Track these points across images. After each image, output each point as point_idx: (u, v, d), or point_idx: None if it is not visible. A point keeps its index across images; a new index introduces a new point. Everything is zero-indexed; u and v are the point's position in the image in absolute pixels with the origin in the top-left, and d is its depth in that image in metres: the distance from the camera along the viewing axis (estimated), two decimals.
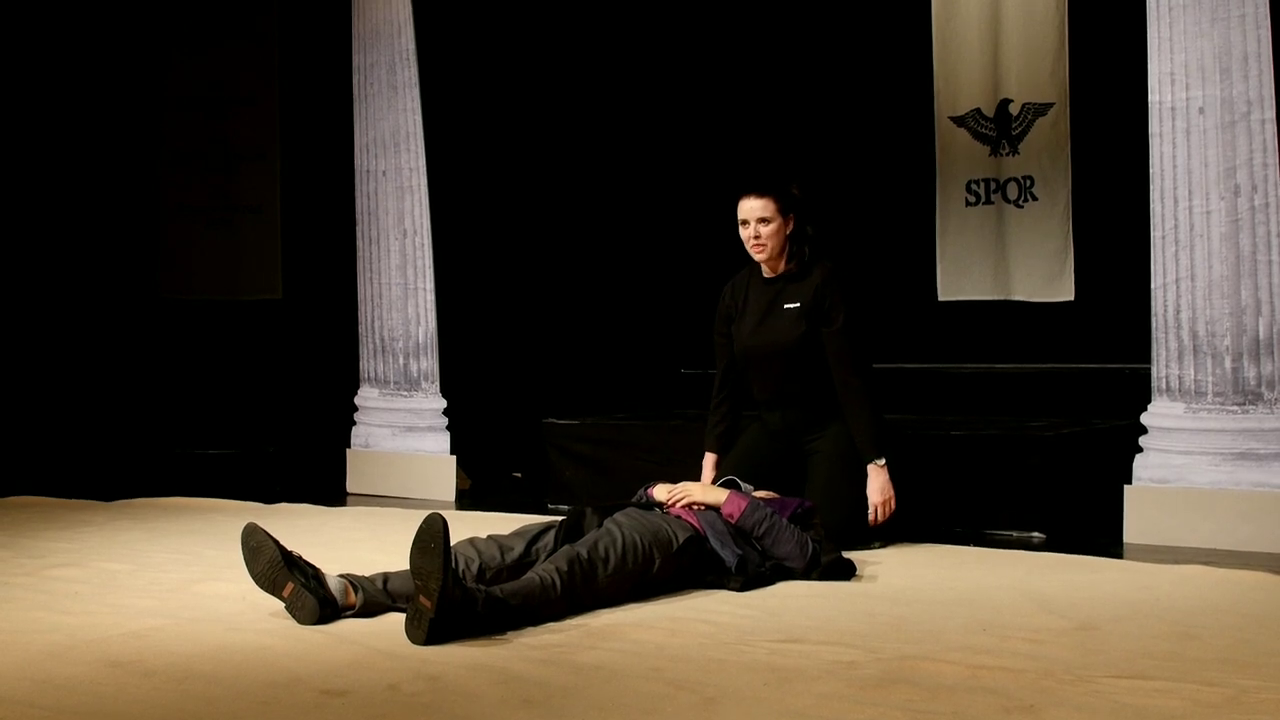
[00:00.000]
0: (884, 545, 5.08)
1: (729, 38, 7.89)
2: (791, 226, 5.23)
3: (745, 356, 5.37)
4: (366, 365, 7.72)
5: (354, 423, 7.74)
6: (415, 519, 3.64)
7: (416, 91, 7.45)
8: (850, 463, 5.15)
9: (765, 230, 5.19)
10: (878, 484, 5.11)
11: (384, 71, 7.56)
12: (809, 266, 5.26)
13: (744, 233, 5.25)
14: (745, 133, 7.82)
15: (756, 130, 7.77)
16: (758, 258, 5.28)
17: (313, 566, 3.84)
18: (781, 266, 5.31)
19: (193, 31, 9.02)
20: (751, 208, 5.21)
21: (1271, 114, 5.08)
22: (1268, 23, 5.09)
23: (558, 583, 3.78)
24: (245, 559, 3.81)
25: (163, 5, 9.02)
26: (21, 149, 8.64)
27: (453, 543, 3.60)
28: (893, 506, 5.10)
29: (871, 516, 5.11)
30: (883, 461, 5.12)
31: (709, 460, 5.49)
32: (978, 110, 6.59)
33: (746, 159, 7.50)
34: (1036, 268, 6.46)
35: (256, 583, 3.81)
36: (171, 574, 4.61)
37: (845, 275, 5.25)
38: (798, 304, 5.23)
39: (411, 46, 7.47)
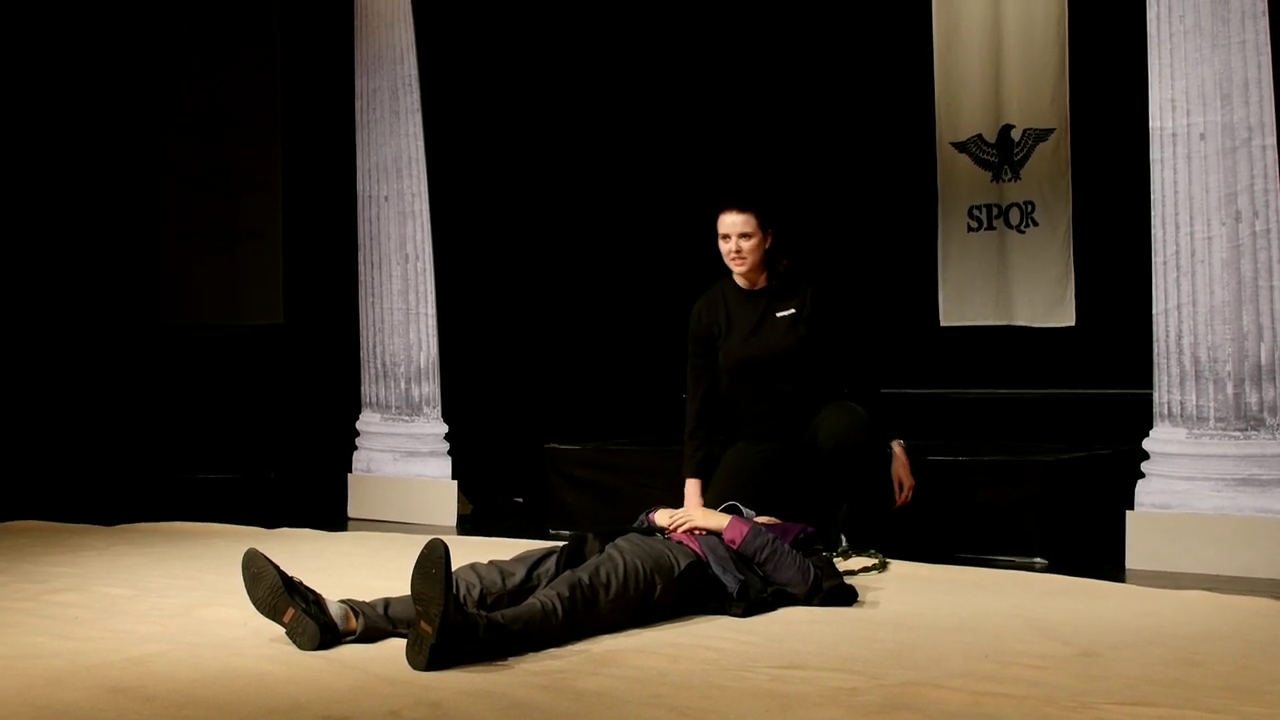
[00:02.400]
0: (885, 569, 5.07)
1: (732, 63, 7.91)
2: (770, 242, 5.40)
3: (738, 369, 5.47)
4: (368, 390, 7.72)
5: (355, 447, 7.73)
6: (416, 544, 3.63)
7: (419, 117, 7.47)
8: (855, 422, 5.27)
9: (746, 245, 5.36)
10: (904, 462, 5.36)
11: (386, 97, 7.58)
12: (791, 280, 5.44)
13: (724, 246, 5.41)
14: (748, 159, 7.82)
15: (759, 157, 7.77)
16: (737, 270, 5.44)
17: (313, 592, 3.84)
18: (760, 280, 5.46)
19: (196, 56, 9.05)
20: (733, 222, 5.37)
21: (1273, 140, 5.09)
22: (1268, 49, 5.10)
23: (559, 608, 3.77)
24: (246, 584, 3.81)
25: (166, 30, 9.04)
26: (24, 172, 8.66)
27: (454, 568, 3.59)
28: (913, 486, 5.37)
29: (902, 495, 5.34)
30: (902, 442, 5.36)
31: (694, 486, 5.51)
32: (979, 136, 6.60)
33: (748, 185, 7.50)
34: (1038, 293, 6.47)
35: (257, 608, 3.81)
36: (172, 599, 4.60)
37: (830, 287, 5.48)
38: (792, 311, 5.39)
39: (414, 72, 7.49)
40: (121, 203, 8.97)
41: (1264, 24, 5.11)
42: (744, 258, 5.38)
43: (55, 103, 8.77)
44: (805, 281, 5.46)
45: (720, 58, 7.94)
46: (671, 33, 8.09)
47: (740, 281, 5.50)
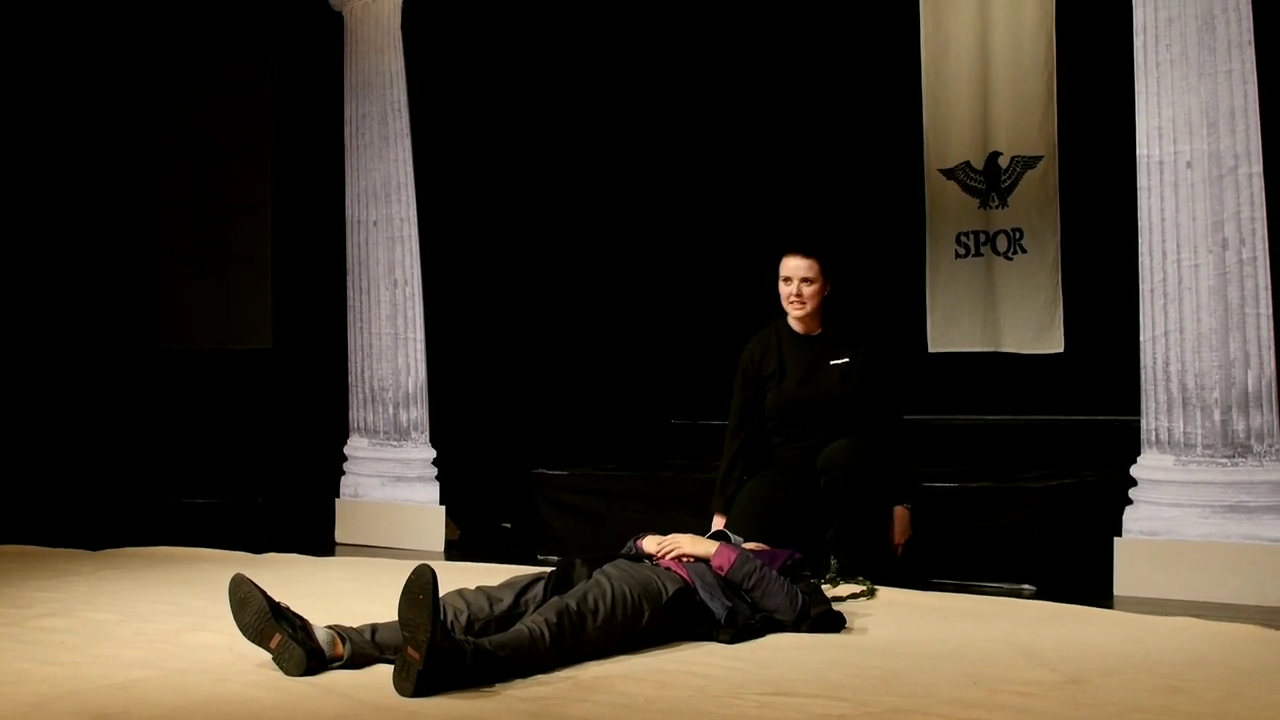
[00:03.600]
0: (874, 595, 5.06)
1: (723, 89, 7.92)
2: (828, 290, 5.56)
3: (788, 412, 5.60)
4: (356, 415, 7.71)
5: (343, 472, 7.72)
6: (404, 570, 3.62)
7: (408, 142, 7.48)
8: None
9: (807, 290, 5.52)
10: (904, 524, 5.48)
11: (375, 122, 7.59)
12: (845, 331, 5.60)
13: (785, 289, 5.55)
14: (736, 188, 7.84)
15: (747, 186, 7.78)
16: (794, 314, 5.58)
17: (300, 617, 3.83)
18: (815, 326, 5.61)
19: (186, 81, 9.04)
20: (797, 266, 5.53)
21: (1259, 168, 5.11)
22: (1254, 78, 5.13)
23: (546, 635, 3.76)
24: (232, 609, 3.80)
25: (156, 55, 9.04)
26: (15, 196, 8.65)
27: (441, 594, 3.58)
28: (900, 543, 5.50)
29: (894, 547, 5.48)
30: (909, 506, 5.47)
31: (721, 523, 5.52)
32: (967, 163, 6.62)
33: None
34: (1026, 320, 6.47)
35: (244, 634, 3.80)
36: (158, 624, 4.59)
37: (881, 343, 5.67)
38: (846, 360, 5.54)
39: (403, 98, 7.51)
40: (112, 227, 8.96)
41: (1250, 53, 5.14)
42: (803, 302, 5.53)
43: (46, 127, 8.76)
44: (860, 336, 5.61)
45: (711, 83, 7.95)
46: (659, 60, 8.10)
47: (795, 326, 5.63)
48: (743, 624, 4.25)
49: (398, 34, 7.56)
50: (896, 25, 6.79)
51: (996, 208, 6.52)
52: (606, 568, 4.20)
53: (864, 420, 5.51)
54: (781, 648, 4.13)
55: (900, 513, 5.50)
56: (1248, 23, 5.16)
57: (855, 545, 5.38)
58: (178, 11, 9.03)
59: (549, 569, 4.22)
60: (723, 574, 4.37)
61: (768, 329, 5.71)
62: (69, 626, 4.56)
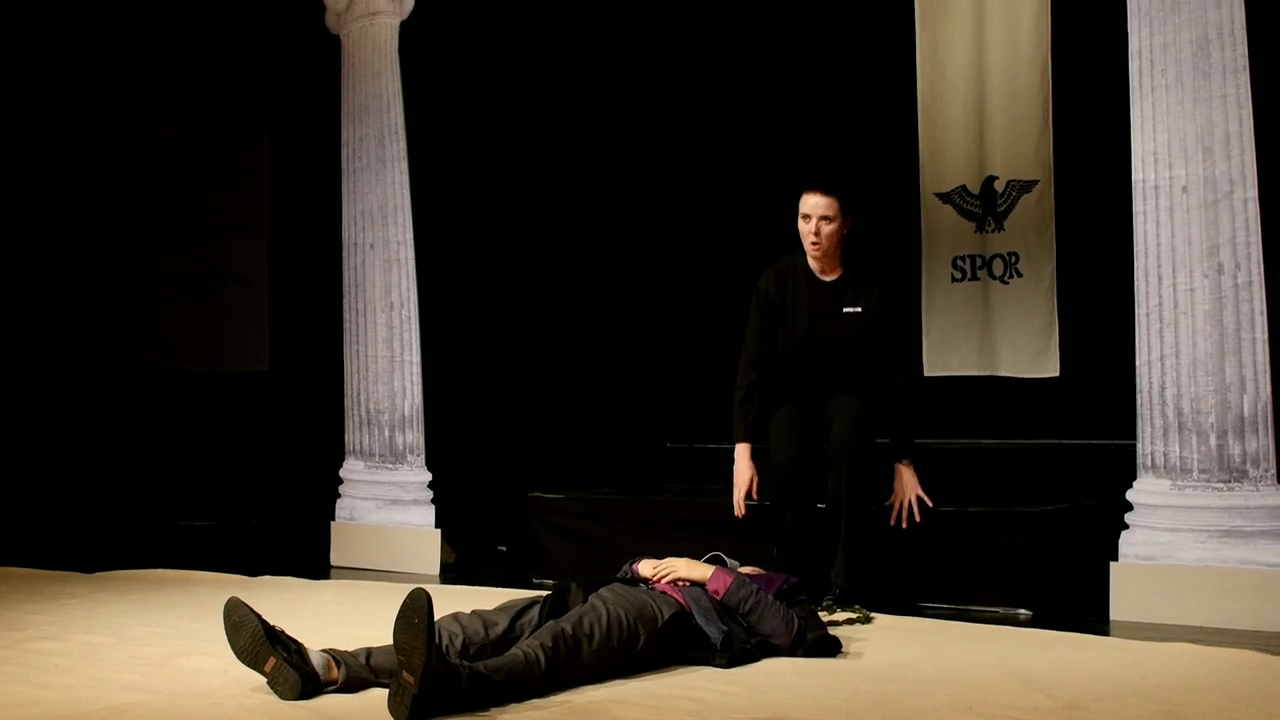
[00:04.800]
0: (869, 621, 5.06)
1: (719, 118, 7.93)
2: (848, 228, 5.49)
3: (797, 351, 5.57)
4: (352, 438, 7.71)
5: (339, 495, 7.72)
6: (399, 593, 3.62)
7: (405, 165, 7.50)
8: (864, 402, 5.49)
9: (826, 229, 5.46)
10: (912, 483, 5.46)
11: (372, 145, 7.60)
12: (865, 273, 5.54)
13: (804, 227, 5.49)
14: (732, 212, 7.84)
15: (744, 210, 7.79)
16: (813, 253, 5.51)
17: (295, 641, 3.82)
18: (834, 266, 5.56)
19: (183, 103, 9.06)
20: (816, 204, 5.47)
21: (1254, 192, 5.12)
22: (1249, 103, 5.14)
23: (542, 659, 3.75)
24: (227, 633, 3.79)
25: (153, 76, 9.05)
26: (11, 216, 8.65)
27: (436, 618, 3.58)
28: (924, 502, 5.46)
29: (900, 509, 5.45)
30: (909, 461, 5.46)
31: (745, 450, 5.61)
32: (963, 187, 6.63)
33: (734, 239, 7.54)
34: (1022, 344, 6.47)
35: (238, 657, 3.79)
36: (152, 647, 4.57)
37: (896, 285, 5.60)
38: (860, 309, 5.50)
39: (400, 121, 7.52)
40: (108, 247, 8.96)
41: (1245, 79, 5.16)
42: (821, 241, 5.46)
43: (43, 148, 8.77)
44: (877, 277, 5.56)
45: (707, 108, 7.97)
46: (657, 84, 8.12)
47: (813, 265, 5.58)
48: (738, 648, 4.24)
49: (395, 57, 7.58)
50: (892, 50, 6.81)
51: (993, 232, 6.53)
52: (602, 591, 4.19)
53: (873, 369, 5.49)
54: (777, 672, 4.12)
55: (902, 470, 5.48)
56: (1243, 48, 5.17)
57: (856, 571, 5.39)
58: (175, 33, 9.05)
59: (544, 593, 4.21)
60: (718, 598, 4.37)
61: (785, 261, 5.65)
62: (63, 649, 4.55)
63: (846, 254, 5.57)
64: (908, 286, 5.73)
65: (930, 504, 5.46)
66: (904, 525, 5.46)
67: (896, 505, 5.48)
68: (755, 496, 5.61)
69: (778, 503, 5.53)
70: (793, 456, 5.47)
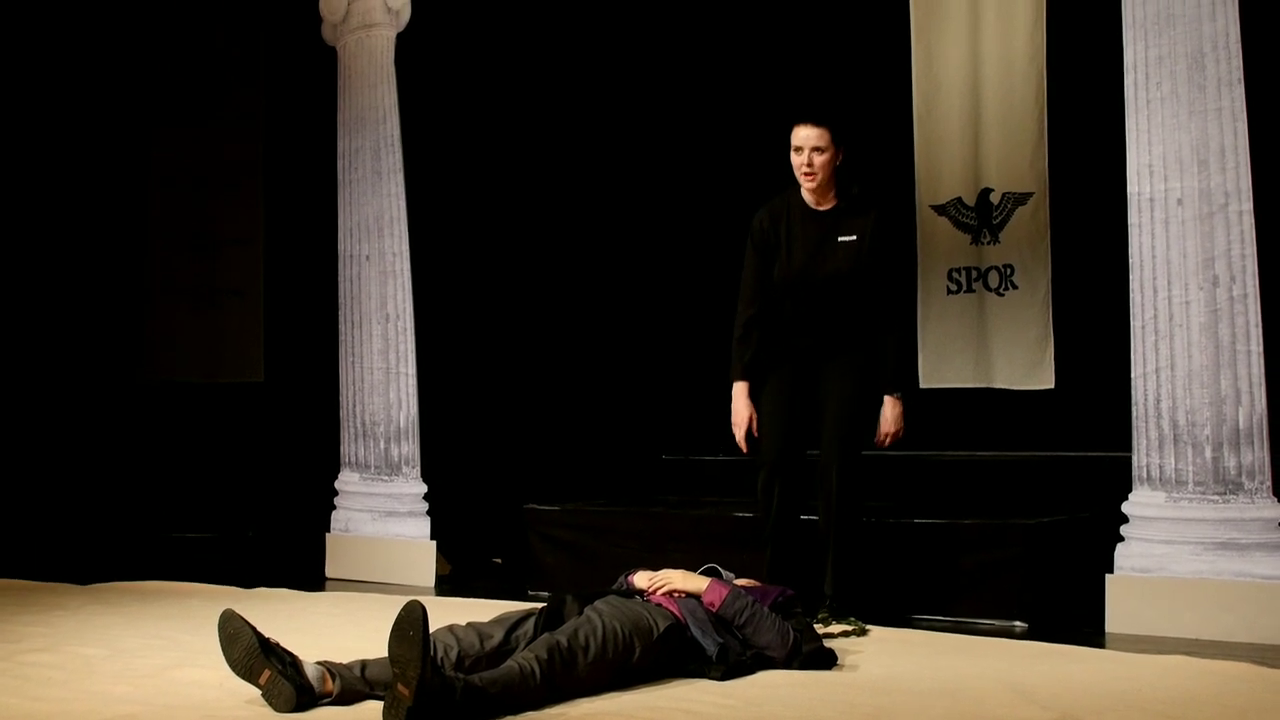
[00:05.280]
0: (864, 634, 5.05)
1: (714, 131, 7.93)
2: (841, 159, 5.50)
3: (792, 284, 5.53)
4: (347, 449, 7.71)
5: (334, 507, 7.71)
6: (394, 605, 3.61)
7: (401, 177, 7.51)
8: (861, 401, 5.49)
9: (819, 160, 5.46)
10: (894, 415, 5.50)
11: (369, 157, 7.61)
12: (859, 202, 5.53)
13: (796, 159, 5.50)
14: (728, 224, 7.82)
15: (740, 221, 7.77)
16: (807, 185, 5.51)
17: (290, 653, 3.81)
18: (828, 198, 5.55)
19: (180, 114, 9.06)
20: (807, 136, 5.48)
21: (1249, 205, 5.13)
22: (1244, 116, 5.16)
23: (537, 671, 3.75)
24: (222, 645, 3.78)
25: (149, 88, 9.06)
26: (6, 228, 8.65)
27: (432, 630, 3.57)
28: (900, 435, 5.54)
29: (880, 439, 5.52)
30: (899, 395, 5.45)
31: (743, 388, 5.61)
32: (959, 199, 6.63)
33: (730, 252, 7.52)
34: (1017, 356, 6.48)
35: (233, 669, 3.78)
36: (147, 660, 4.57)
37: (891, 214, 5.61)
38: (854, 237, 5.48)
39: (396, 133, 7.53)
40: (104, 260, 8.95)
41: (1240, 91, 5.17)
42: (814, 173, 5.46)
43: (39, 159, 8.77)
44: (871, 204, 5.55)
45: (702, 122, 7.97)
46: (651, 97, 8.13)
47: (808, 198, 5.57)
48: (734, 660, 4.24)
49: (391, 69, 7.59)
50: (888, 63, 6.81)
51: (988, 244, 6.53)
52: (598, 604, 4.19)
53: (870, 294, 5.48)
54: (772, 684, 4.12)
55: (890, 403, 5.50)
56: (1237, 61, 5.19)
57: (845, 581, 5.39)
58: (172, 45, 9.05)
59: (540, 605, 4.21)
60: (714, 610, 4.36)
61: (779, 198, 5.65)
62: (57, 662, 4.54)
63: (840, 185, 5.57)
64: (900, 219, 5.78)
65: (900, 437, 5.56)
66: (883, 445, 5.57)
67: (879, 435, 5.54)
68: (756, 434, 5.59)
69: (765, 493, 5.54)
70: (780, 447, 5.49)
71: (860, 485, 5.48)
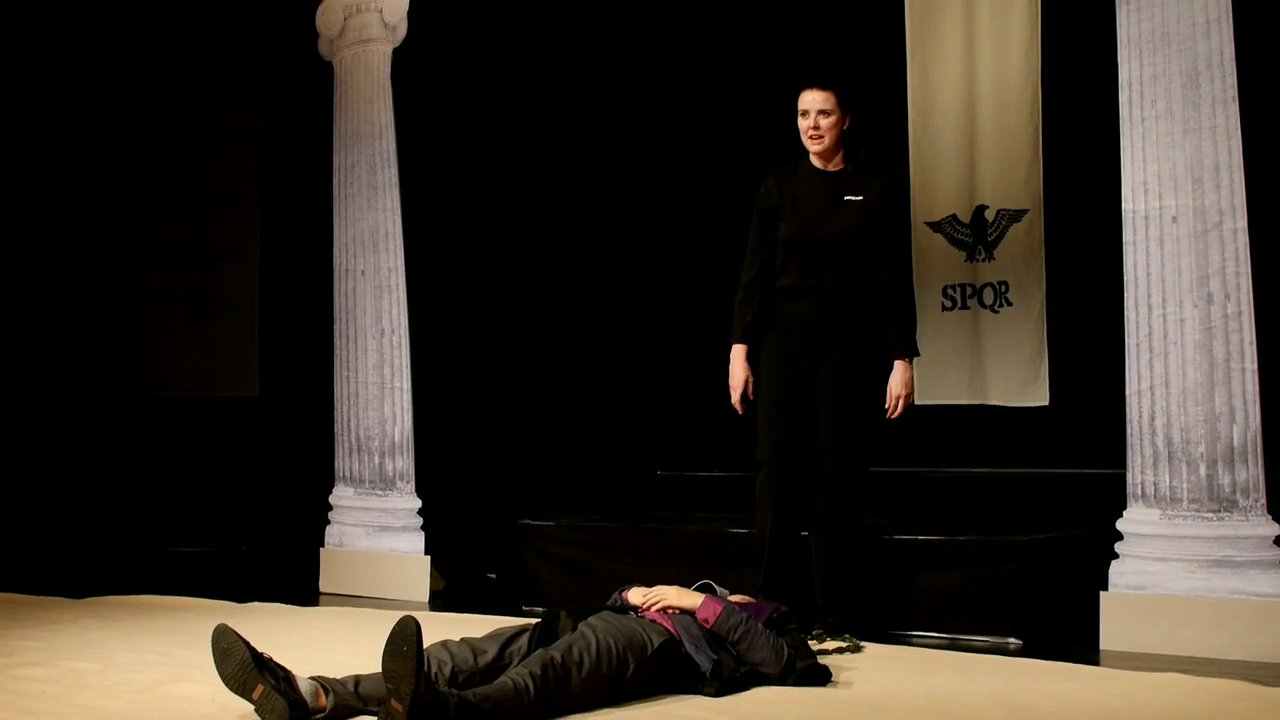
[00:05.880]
0: (859, 650, 5.05)
1: (708, 150, 7.93)
2: (848, 123, 5.56)
3: (798, 241, 5.54)
4: (342, 464, 7.70)
5: (328, 521, 7.70)
6: (388, 620, 3.61)
7: (396, 192, 7.51)
8: (859, 388, 5.50)
9: (825, 122, 5.53)
10: (903, 378, 5.53)
11: (364, 172, 7.61)
12: (866, 167, 5.59)
13: (803, 123, 5.57)
14: (722, 241, 7.82)
15: (733, 238, 7.77)
16: (814, 148, 5.58)
17: (283, 668, 3.81)
18: (835, 161, 5.60)
19: (175, 128, 9.06)
20: (813, 99, 5.56)
21: (1244, 223, 5.14)
22: (1239, 134, 5.17)
23: (531, 687, 3.74)
24: (215, 660, 3.77)
25: (145, 101, 9.06)
26: (1, 243, 8.64)
27: (425, 645, 3.57)
28: (910, 401, 5.57)
29: (891, 406, 5.51)
30: (910, 360, 5.54)
31: (740, 351, 5.63)
32: (954, 216, 6.64)
33: (724, 267, 7.52)
34: (1012, 373, 6.48)
35: (226, 684, 3.77)
36: (140, 674, 4.56)
37: (897, 182, 5.71)
38: (861, 198, 5.52)
39: (392, 148, 7.54)
40: (98, 273, 8.95)
41: (1234, 109, 5.18)
42: (821, 135, 5.53)
43: (33, 173, 8.76)
44: (878, 171, 5.61)
45: (696, 141, 7.97)
46: (645, 112, 8.13)
47: (815, 161, 5.62)
48: (728, 677, 4.24)
49: (387, 84, 7.60)
50: (883, 80, 6.82)
51: (983, 261, 6.54)
52: (592, 619, 4.19)
53: (874, 260, 5.50)
54: (766, 701, 4.12)
55: (900, 367, 5.52)
56: (1231, 79, 5.20)
57: (842, 595, 5.40)
58: (167, 58, 9.06)
59: (534, 620, 4.21)
60: (708, 626, 4.36)
61: (790, 164, 5.70)
62: (50, 676, 4.53)
63: (848, 148, 5.62)
64: (902, 187, 5.89)
65: (911, 403, 5.58)
66: (892, 416, 5.56)
67: (889, 401, 5.54)
68: (751, 396, 5.62)
69: (764, 493, 5.56)
70: (780, 444, 5.52)
71: (861, 499, 5.48)
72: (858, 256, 5.50)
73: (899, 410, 5.54)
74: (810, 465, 5.53)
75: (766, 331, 5.60)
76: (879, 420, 5.57)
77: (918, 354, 5.62)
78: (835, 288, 5.49)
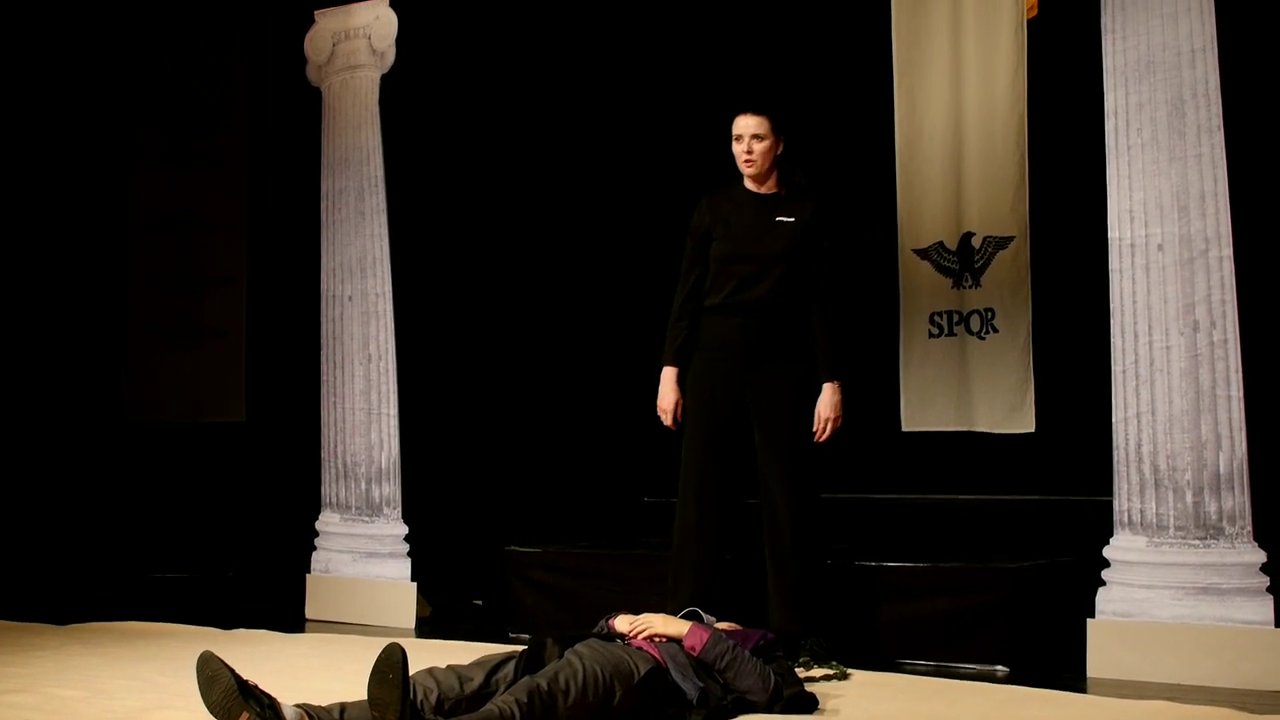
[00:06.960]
0: (846, 678, 5.04)
1: (699, 169, 7.94)
2: (781, 148, 5.61)
3: (729, 259, 5.59)
4: (328, 490, 7.68)
5: (314, 548, 7.68)
6: (374, 647, 3.60)
7: (384, 218, 7.51)
8: (799, 411, 5.51)
9: (759, 147, 5.57)
10: (832, 400, 5.52)
11: (352, 197, 7.61)
12: (800, 190, 5.65)
13: (736, 148, 5.62)
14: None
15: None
16: (747, 172, 5.63)
17: (269, 696, 3.79)
18: (769, 185, 5.65)
19: (162, 153, 9.07)
20: (746, 124, 5.60)
21: (1229, 251, 5.16)
22: (1224, 162, 5.19)
23: (517, 714, 3.73)
24: (200, 687, 3.76)
25: (132, 125, 9.06)
26: None
27: (411, 672, 3.56)
28: (839, 424, 5.53)
29: (819, 429, 5.49)
30: (839, 383, 5.52)
31: (670, 374, 5.71)
32: (940, 243, 6.65)
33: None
34: (998, 399, 6.49)
35: (211, 712, 3.75)
36: (125, 701, 4.54)
37: (831, 205, 5.70)
38: (793, 219, 5.56)
39: (380, 174, 7.54)
40: (85, 299, 8.94)
41: (1219, 138, 5.21)
42: (754, 159, 5.57)
43: (19, 196, 8.76)
44: (812, 193, 5.66)
45: (687, 163, 7.98)
46: (632, 138, 8.15)
47: (749, 185, 5.67)
48: (715, 705, 4.23)
49: (375, 110, 7.60)
50: (870, 107, 6.85)
51: (970, 288, 6.55)
52: (578, 647, 4.18)
53: (805, 280, 5.53)
54: None
55: (829, 389, 5.52)
56: (1217, 108, 5.23)
57: (807, 605, 5.39)
58: (154, 82, 9.06)
59: (520, 648, 4.19)
60: (695, 654, 4.35)
61: (724, 189, 5.75)
62: (34, 703, 4.51)
63: (782, 173, 5.68)
64: (838, 213, 5.79)
65: (838, 426, 5.54)
66: (819, 440, 5.53)
67: (817, 424, 5.52)
68: (680, 418, 5.70)
69: (684, 523, 5.61)
70: (704, 476, 5.60)
71: (817, 520, 5.48)
72: (788, 277, 5.54)
73: (826, 434, 5.53)
74: (737, 501, 5.61)
75: (694, 351, 5.66)
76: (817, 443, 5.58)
77: (846, 377, 5.61)
78: (761, 305, 5.53)
